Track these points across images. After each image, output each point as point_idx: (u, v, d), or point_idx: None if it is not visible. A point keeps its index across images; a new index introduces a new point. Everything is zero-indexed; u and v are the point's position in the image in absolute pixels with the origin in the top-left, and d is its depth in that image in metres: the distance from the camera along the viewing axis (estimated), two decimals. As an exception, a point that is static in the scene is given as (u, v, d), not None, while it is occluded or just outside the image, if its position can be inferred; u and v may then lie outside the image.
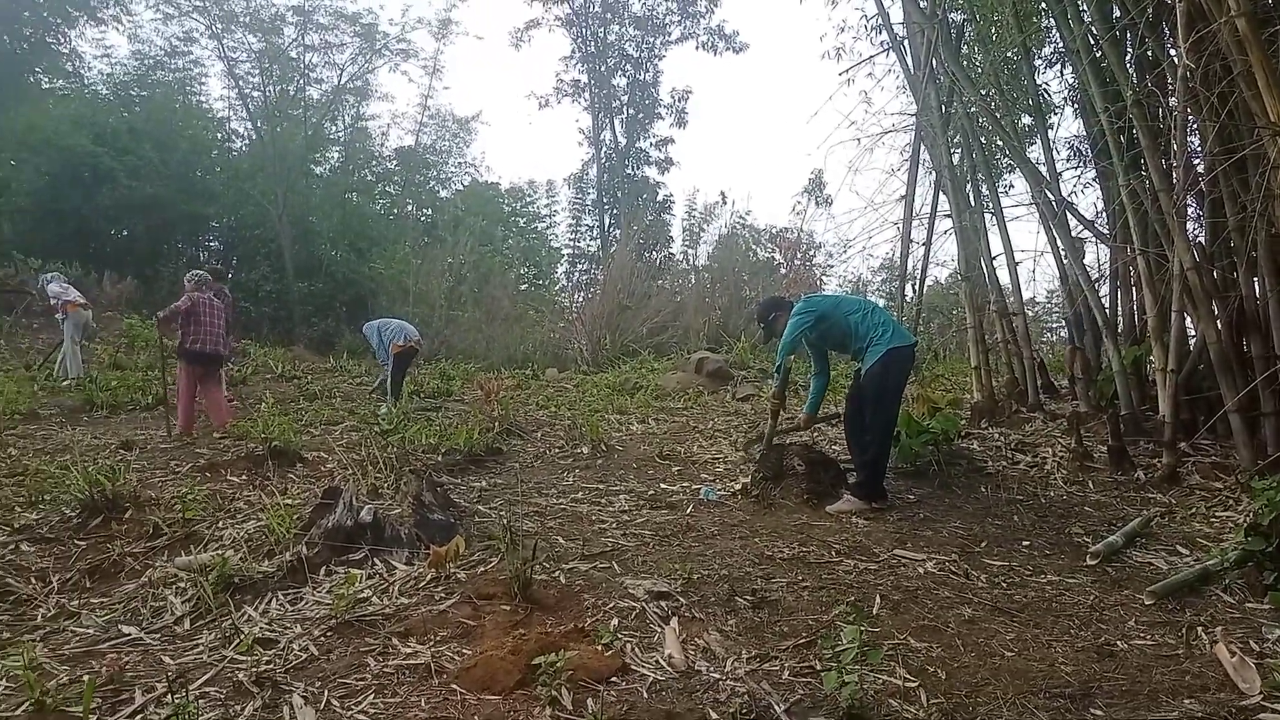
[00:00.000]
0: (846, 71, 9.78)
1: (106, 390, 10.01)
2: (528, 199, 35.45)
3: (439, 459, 6.87)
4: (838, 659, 3.23)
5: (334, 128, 28.48)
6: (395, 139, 30.56)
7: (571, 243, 35.14)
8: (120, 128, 22.85)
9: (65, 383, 11.07)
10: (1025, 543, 5.41)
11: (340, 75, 26.92)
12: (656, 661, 3.51)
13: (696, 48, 32.40)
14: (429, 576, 4.35)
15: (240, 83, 25.92)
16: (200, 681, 3.34)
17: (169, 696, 3.17)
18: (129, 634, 3.94)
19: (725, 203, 24.75)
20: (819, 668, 3.40)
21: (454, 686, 3.30)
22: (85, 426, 8.70)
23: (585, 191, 34.64)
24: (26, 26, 25.88)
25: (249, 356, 15.03)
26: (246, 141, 27.63)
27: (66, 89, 25.94)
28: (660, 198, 32.61)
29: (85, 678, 3.45)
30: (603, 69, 32.51)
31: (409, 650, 3.61)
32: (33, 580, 4.66)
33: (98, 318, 12.66)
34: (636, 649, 3.61)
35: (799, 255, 19.89)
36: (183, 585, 4.35)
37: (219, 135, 27.33)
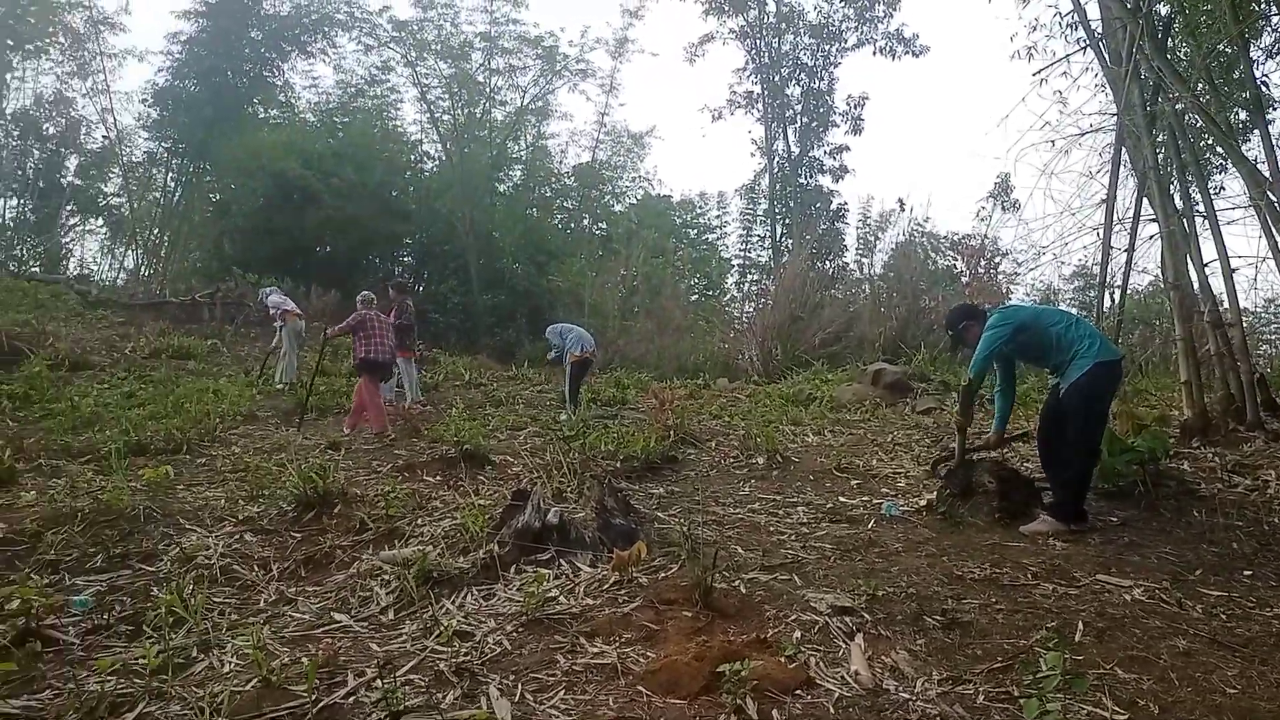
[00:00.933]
0: (1040, 72, 9.18)
1: (315, 395, 10.83)
2: (699, 211, 35.77)
3: (617, 465, 7.01)
4: (1038, 686, 3.07)
5: (516, 147, 29.73)
6: (573, 156, 31.60)
7: (742, 253, 35.12)
8: (325, 152, 24.79)
9: (279, 386, 12.07)
10: (1247, 572, 4.95)
11: (523, 97, 28.14)
12: (842, 677, 3.45)
13: (874, 53, 31.68)
14: (612, 579, 4.45)
15: (431, 107, 27.51)
16: (405, 669, 3.55)
17: (378, 681, 3.39)
18: (340, 621, 4.24)
19: (902, 210, 23.98)
20: (1016, 694, 3.23)
21: (640, 688, 3.36)
22: (295, 429, 9.44)
23: (756, 202, 34.54)
24: (246, 63, 28.55)
25: (439, 364, 15.87)
26: (436, 162, 29.32)
27: (279, 118, 28.41)
28: (834, 206, 32.04)
29: (304, 660, 3.75)
30: (776, 79, 32.32)
31: (595, 650, 3.71)
32: (255, 568, 5.11)
33: (306, 328, 13.72)
34: (821, 663, 3.55)
35: (982, 263, 19.00)
36: (387, 577, 4.65)
37: (412, 157, 29.11)
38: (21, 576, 4.81)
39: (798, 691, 3.31)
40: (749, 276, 33.68)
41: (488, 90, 27.92)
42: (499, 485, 6.63)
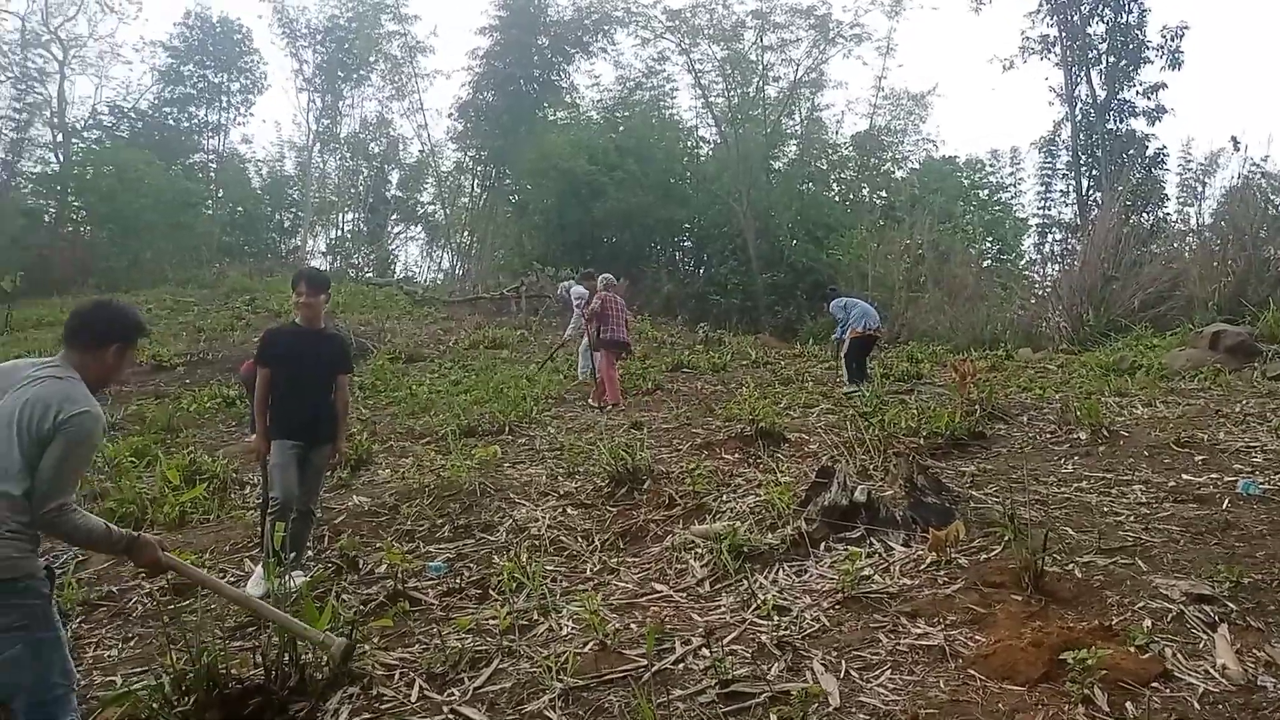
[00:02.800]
0: None
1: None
2: (988, 170, 33.51)
3: (921, 442, 6.76)
4: None
5: (790, 122, 29.53)
6: (849, 125, 30.95)
7: (1040, 212, 32.55)
8: (608, 147, 26.00)
9: (582, 375, 12.81)
10: None
11: (796, 70, 27.86)
12: (1206, 671, 3.11)
13: (1193, -25, 27.93)
14: (929, 559, 4.31)
15: (705, 91, 27.99)
16: (728, 639, 3.65)
17: (704, 650, 3.52)
18: (660, 591, 4.45)
19: (1236, 150, 21.00)
20: None
21: (971, 672, 3.23)
22: (598, 410, 10.00)
23: (1056, 154, 31.78)
24: (536, 69, 30.60)
25: (724, 344, 16.14)
26: (711, 146, 29.77)
27: (566, 119, 30.18)
28: (1150, 152, 28.66)
29: (633, 626, 3.98)
30: (1075, 18, 29.40)
31: (919, 631, 3.61)
32: (579, 539, 5.48)
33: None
34: (1178, 654, 3.22)
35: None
36: (699, 551, 4.81)
37: (688, 143, 29.77)
38: (387, 544, 5.50)
39: (1154, 684, 3.03)
40: (1050, 236, 31.21)
41: (760, 68, 27.92)
42: (797, 463, 6.63)
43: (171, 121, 37.80)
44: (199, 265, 29.44)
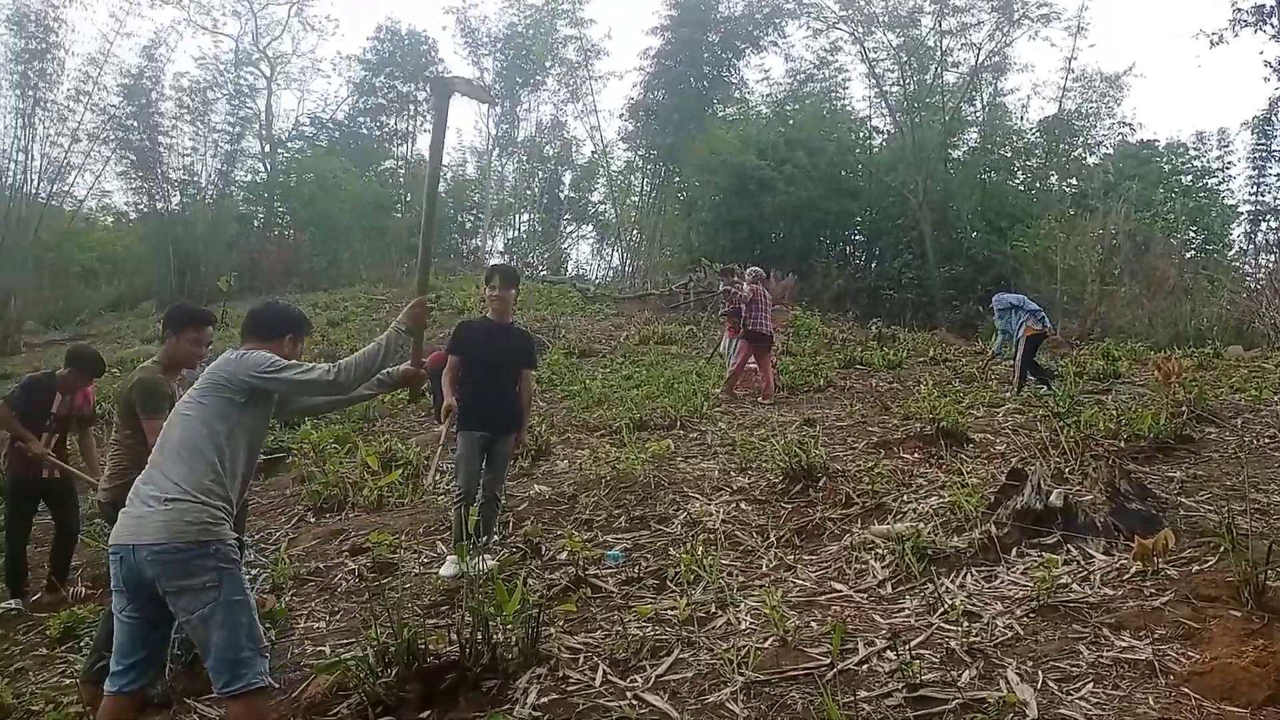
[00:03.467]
0: None
1: (786, 374, 11.31)
2: (1192, 155, 30.87)
3: (1120, 445, 6.33)
4: None
5: (971, 109, 28.24)
6: (1036, 110, 29.19)
7: (1253, 198, 29.70)
8: (778, 141, 25.73)
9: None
10: None
11: (977, 54, 26.59)
12: None
13: None
14: (1133, 569, 4.03)
15: (879, 80, 27.19)
16: (915, 642, 3.55)
17: (889, 652, 3.44)
18: (839, 590, 4.38)
19: None
20: None
21: (1185, 690, 3.01)
22: (768, 407, 9.93)
23: (1271, 135, 28.94)
24: (706, 66, 30.71)
25: (899, 340, 15.66)
26: (885, 136, 28.93)
27: (735, 115, 30.12)
28: (1383, 129, 25.67)
29: (813, 624, 3.94)
30: (1295, -16, 26.65)
31: (1123, 643, 3.39)
32: (754, 534, 5.47)
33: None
34: None
35: None
36: (880, 551, 4.70)
37: (860, 134, 29.04)
38: (567, 532, 5.69)
39: None
40: (1264, 224, 28.40)
41: (938, 54, 26.84)
42: (984, 464, 6.35)
43: (365, 130, 40.47)
44: (390, 265, 31.35)
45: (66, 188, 28.55)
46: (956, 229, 24.98)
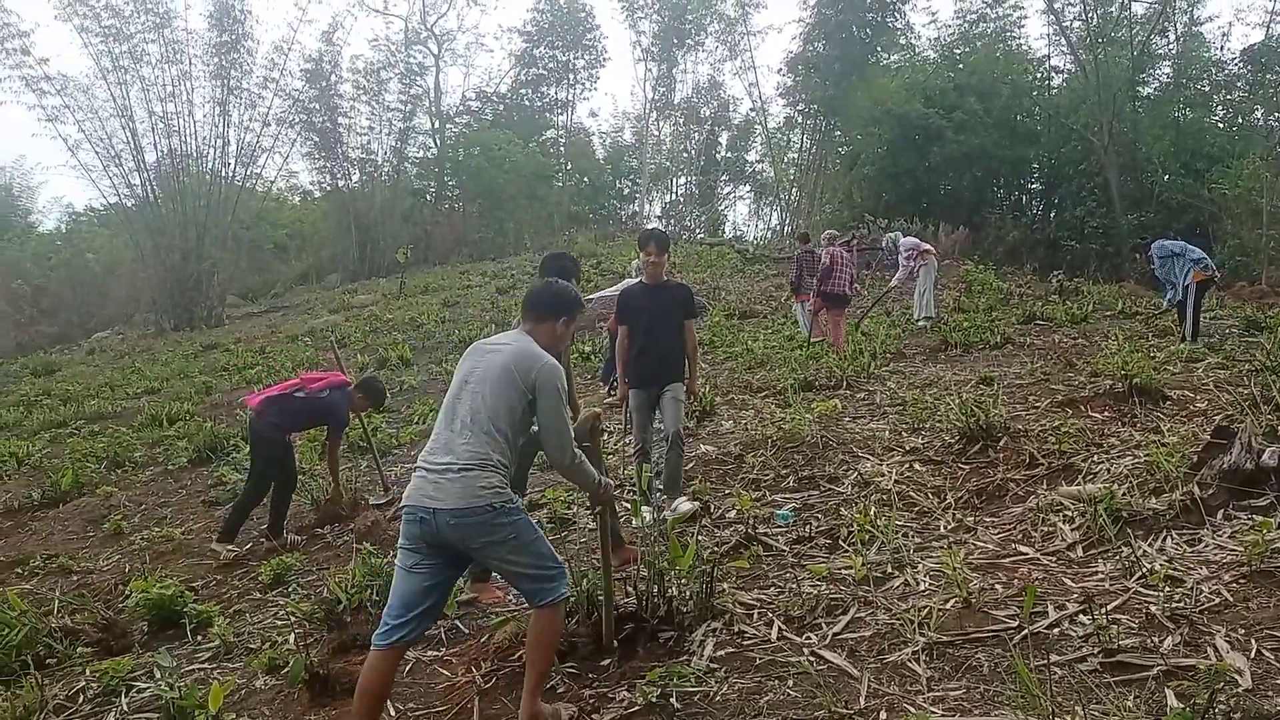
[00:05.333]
0: None
1: (958, 331, 10.87)
2: None
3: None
4: None
5: (1162, 41, 25.87)
6: (1238, 38, 26.53)
7: None
8: (946, 87, 24.48)
9: (920, 323, 12.36)
10: None
11: (1170, -21, 24.29)
12: None
13: None
14: (1362, 535, 3.66)
15: (1059, 15, 25.29)
16: (1110, 607, 3.37)
17: (1083, 616, 3.28)
18: (1025, 553, 4.20)
19: None
20: None
21: None
22: (943, 364, 9.58)
23: None
24: (869, 12, 29.57)
25: (1083, 294, 14.69)
26: (1065, 76, 26.98)
27: (899, 61, 28.88)
28: None
29: (997, 586, 3.80)
30: None
31: (1355, 615, 3.10)
32: (930, 495, 5.32)
33: (938, 267, 13.75)
34: None
35: None
36: (1069, 514, 4.47)
37: (1037, 75, 27.18)
38: (735, 491, 5.72)
39: None
40: None
41: (1129, -17, 24.71)
42: (1183, 422, 5.91)
43: (526, 102, 41.47)
44: (551, 233, 32.18)
45: (258, 170, 30.62)
46: (1146, 172, 23.05)
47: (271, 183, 34.01)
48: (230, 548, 6.39)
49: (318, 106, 32.73)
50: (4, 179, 47.17)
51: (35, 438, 12.08)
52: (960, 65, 26.15)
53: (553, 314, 3.41)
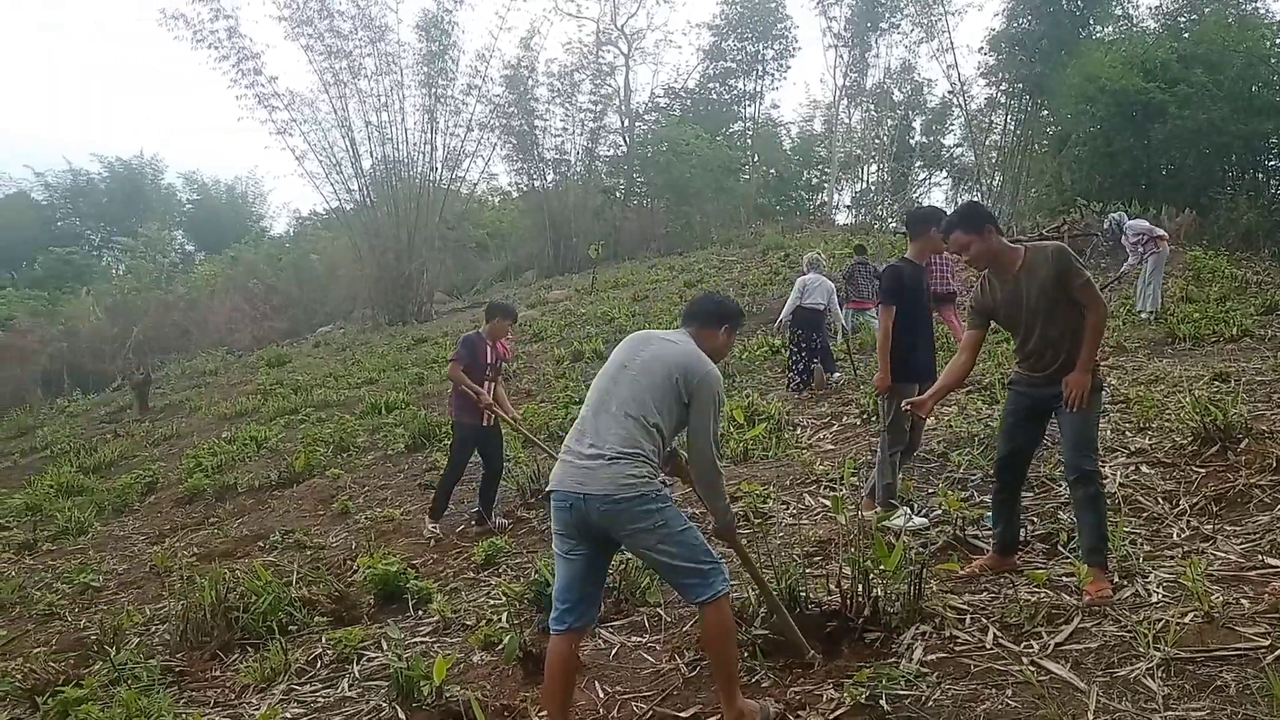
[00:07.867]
0: None
1: (1187, 323, 9.98)
2: None
3: None
4: None
5: None
6: None
7: None
8: (1169, 59, 22.41)
9: (1144, 315, 11.43)
10: None
11: None
12: None
13: None
14: None
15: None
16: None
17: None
18: (1275, 566, 3.82)
19: None
20: None
21: None
22: (1170, 358, 8.83)
23: None
24: (1080, -15, 27.59)
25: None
26: (1313, 37, 24.12)
27: (1115, 34, 26.77)
28: None
29: (1244, 601, 3.49)
30: None
31: None
32: (1159, 500, 4.93)
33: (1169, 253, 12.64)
34: None
35: None
36: (1328, 524, 4.03)
37: (1277, 41, 24.45)
38: (941, 490, 5.50)
39: None
40: None
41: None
42: None
43: (714, 95, 41.59)
44: (738, 226, 32.11)
45: (462, 173, 32.23)
46: None
47: (474, 185, 35.80)
48: (432, 526, 6.82)
49: (516, 110, 34.12)
50: (241, 188, 52.34)
51: (271, 423, 13.37)
52: (1185, 34, 23.92)
53: (717, 322, 3.45)
